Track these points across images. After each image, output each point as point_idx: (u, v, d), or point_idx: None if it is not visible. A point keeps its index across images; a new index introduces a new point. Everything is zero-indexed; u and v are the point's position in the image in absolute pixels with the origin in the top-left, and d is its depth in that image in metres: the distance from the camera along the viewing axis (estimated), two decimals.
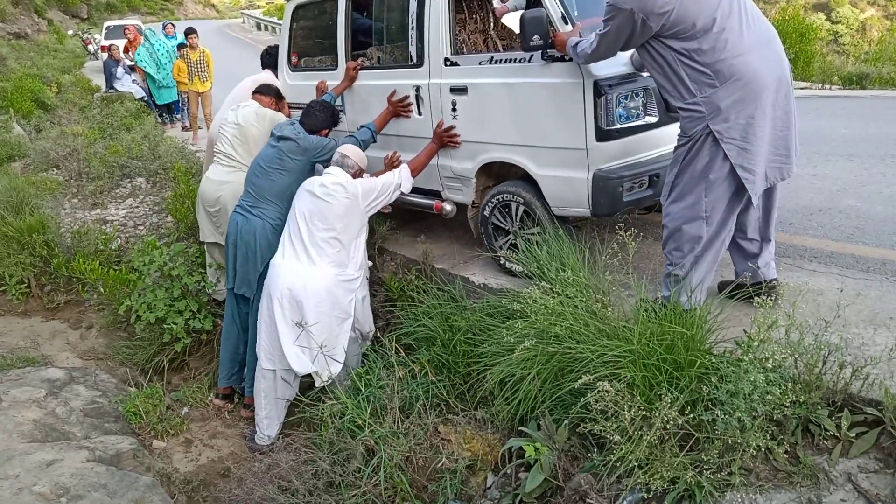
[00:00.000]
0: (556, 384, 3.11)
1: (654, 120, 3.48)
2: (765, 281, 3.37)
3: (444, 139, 4.20)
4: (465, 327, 3.95)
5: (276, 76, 5.60)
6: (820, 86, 10.68)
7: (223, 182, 4.85)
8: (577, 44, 3.22)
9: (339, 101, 5.01)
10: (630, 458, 2.53)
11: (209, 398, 4.79)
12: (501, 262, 4.20)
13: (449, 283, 4.43)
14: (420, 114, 4.39)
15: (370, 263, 4.72)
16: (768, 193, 3.25)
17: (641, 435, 2.53)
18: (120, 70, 13.23)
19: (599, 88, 3.33)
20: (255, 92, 5.06)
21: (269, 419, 4.26)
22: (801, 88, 10.60)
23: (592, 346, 2.86)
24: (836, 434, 2.62)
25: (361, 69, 4.82)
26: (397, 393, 3.75)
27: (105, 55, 14.86)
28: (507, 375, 3.29)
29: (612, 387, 2.52)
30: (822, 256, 3.93)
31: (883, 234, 4.11)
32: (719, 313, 2.94)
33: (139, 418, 4.38)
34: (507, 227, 4.14)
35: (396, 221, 5.37)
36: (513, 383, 3.28)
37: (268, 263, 4.21)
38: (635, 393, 2.60)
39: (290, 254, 4.08)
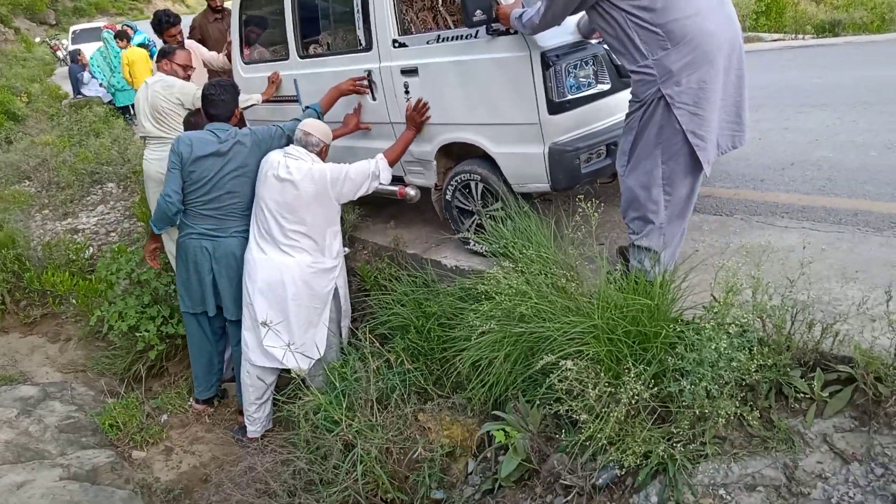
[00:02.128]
0: (526, 365, 3.04)
1: (606, 87, 3.38)
2: None
3: (419, 121, 4.01)
4: (438, 312, 3.89)
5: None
6: (793, 36, 10.56)
7: (157, 159, 4.91)
8: (521, 14, 3.11)
9: (294, 91, 4.90)
10: (599, 436, 2.47)
11: (189, 403, 4.71)
12: (470, 243, 4.12)
13: (421, 268, 4.35)
14: (374, 99, 4.27)
15: (347, 250, 4.59)
16: None
17: (609, 412, 2.46)
18: (86, 75, 12.99)
19: (547, 60, 3.22)
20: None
21: (258, 412, 4.17)
22: (775, 40, 10.49)
23: (557, 324, 2.78)
24: (811, 395, 2.56)
25: (314, 56, 4.70)
26: (373, 384, 3.67)
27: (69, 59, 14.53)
28: (479, 359, 3.23)
29: (574, 365, 2.45)
30: (794, 211, 3.86)
31: (855, 184, 4.04)
32: (683, 280, 2.86)
33: (117, 430, 4.31)
34: (470, 208, 4.05)
35: (366, 209, 5.26)
36: (485, 367, 3.22)
37: None
38: (600, 369, 2.53)
39: (264, 247, 3.97)
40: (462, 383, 3.60)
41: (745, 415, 2.51)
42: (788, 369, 2.59)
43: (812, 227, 3.61)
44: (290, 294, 3.96)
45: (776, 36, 10.27)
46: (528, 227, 3.52)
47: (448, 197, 4.08)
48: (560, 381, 2.45)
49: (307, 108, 4.31)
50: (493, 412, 3.18)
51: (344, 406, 3.60)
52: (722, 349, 2.28)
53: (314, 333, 4.14)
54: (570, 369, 2.41)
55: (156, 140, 5.05)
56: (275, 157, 3.95)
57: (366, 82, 4.29)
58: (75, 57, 13.06)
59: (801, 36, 10.38)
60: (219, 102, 3.97)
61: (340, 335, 4.36)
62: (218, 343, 4.37)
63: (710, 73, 2.80)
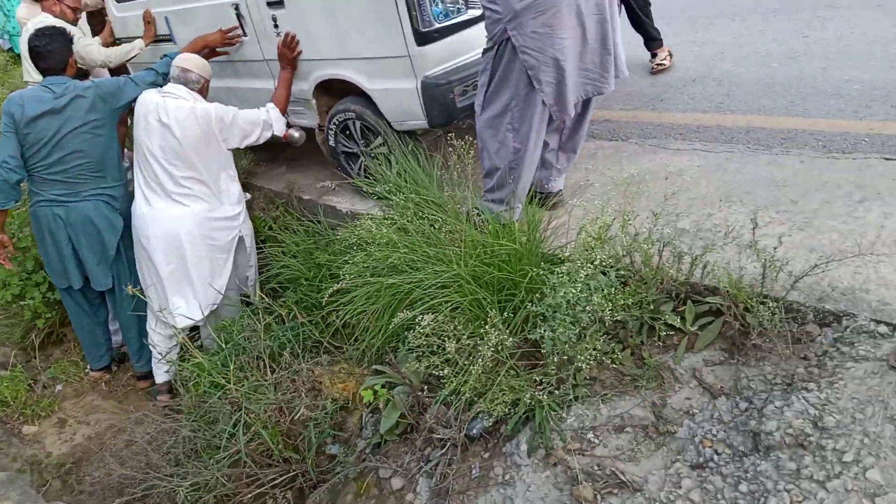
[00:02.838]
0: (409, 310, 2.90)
1: (478, 13, 3.13)
2: (550, 193, 3.25)
3: (290, 57, 3.69)
4: (327, 263, 3.70)
5: None
6: None
7: None
8: None
9: (167, 29, 4.51)
10: (463, 389, 2.36)
11: (85, 371, 4.50)
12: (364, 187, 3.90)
13: (317, 215, 4.14)
14: (246, 34, 3.94)
15: (248, 196, 4.29)
16: (583, 104, 3.01)
17: (471, 364, 2.34)
18: None
19: None
20: None
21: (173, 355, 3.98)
22: None
23: (424, 275, 2.63)
24: (683, 329, 2.48)
25: None
26: (262, 342, 3.51)
27: None
28: (360, 311, 3.08)
29: (433, 319, 2.31)
30: (689, 132, 3.72)
31: (751, 98, 3.91)
32: (550, 222, 2.72)
33: (3, 406, 4.09)
34: (354, 150, 3.82)
35: (261, 154, 4.98)
36: (367, 318, 3.08)
37: (119, 243, 3.80)
38: (464, 320, 2.39)
39: (153, 199, 3.69)
40: (353, 335, 3.47)
41: (616, 353, 2.43)
42: (660, 304, 2.50)
43: (704, 149, 3.49)
44: (188, 247, 3.72)
45: None
46: (411, 168, 3.33)
47: (331, 142, 3.84)
48: (417, 338, 2.31)
49: (164, 56, 3.91)
50: (374, 367, 3.05)
51: (232, 367, 3.44)
52: (575, 292, 2.15)
53: (218, 287, 3.93)
54: (426, 325, 2.26)
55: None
56: (151, 98, 3.61)
57: (239, 31, 3.95)
58: None
59: None
60: (46, 54, 3.55)
61: (247, 287, 4.14)
62: (97, 314, 4.11)
63: (556, 18, 2.57)
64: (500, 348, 2.33)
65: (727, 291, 2.36)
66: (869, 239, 2.47)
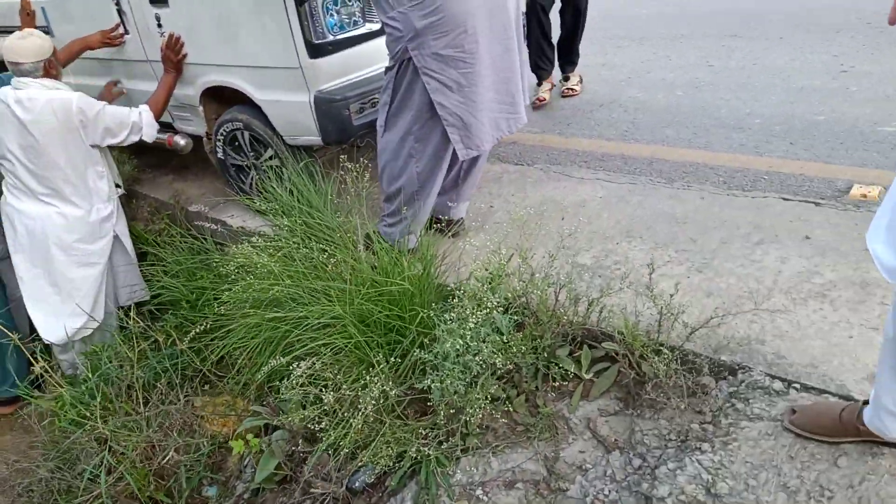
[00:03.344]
0: (288, 350, 2.67)
1: (377, 27, 2.94)
2: (451, 220, 3.12)
3: (175, 60, 3.39)
4: (209, 285, 3.42)
5: None
6: None
7: None
8: None
9: (45, 22, 4.09)
10: (343, 442, 2.16)
11: None
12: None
13: (204, 230, 3.83)
14: (128, 32, 3.60)
15: (122, 190, 3.81)
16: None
17: (352, 415, 2.14)
18: None
19: None
20: None
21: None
22: None
23: (307, 311, 2.41)
24: (578, 375, 2.37)
25: None
26: (135, 370, 3.19)
27: None
28: (240, 345, 2.83)
29: (309, 367, 2.10)
30: (593, 160, 3.65)
31: (656, 128, 3.88)
32: (446, 254, 2.56)
33: None
34: (244, 163, 3.55)
35: (146, 159, 4.62)
36: (248, 352, 2.83)
37: None
38: (342, 365, 2.20)
39: (23, 197, 3.28)
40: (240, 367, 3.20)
41: (510, 399, 2.29)
42: (556, 347, 2.38)
43: (607, 178, 3.42)
44: (56, 254, 3.33)
45: None
46: (304, 186, 3.11)
47: (219, 153, 3.56)
48: (291, 387, 2.09)
49: None
50: (252, 407, 2.80)
51: (99, 398, 3.11)
52: (463, 343, 1.99)
53: (93, 299, 3.55)
54: (300, 374, 2.05)
55: None
56: (4, 92, 3.20)
57: (121, 30, 3.60)
58: None
59: None
60: None
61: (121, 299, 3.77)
62: None
63: (463, 40, 2.39)
64: (383, 399, 2.15)
65: (623, 338, 2.26)
66: (766, 285, 2.42)
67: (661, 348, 2.20)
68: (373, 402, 2.07)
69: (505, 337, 2.14)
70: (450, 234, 3.08)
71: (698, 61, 4.81)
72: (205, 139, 3.74)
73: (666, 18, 6.18)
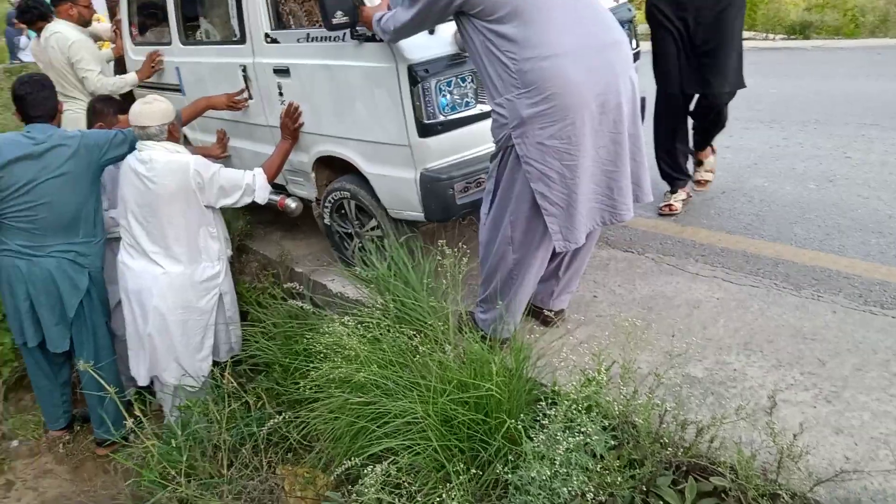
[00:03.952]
0: (368, 439, 2.57)
1: (488, 108, 2.87)
2: (551, 311, 2.94)
3: (292, 128, 3.47)
4: (302, 351, 3.40)
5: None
6: (763, 36, 10.11)
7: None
8: (381, 18, 2.59)
9: (177, 79, 4.35)
10: None
11: (45, 429, 4.19)
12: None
13: (307, 291, 3.85)
14: (251, 97, 3.74)
15: (230, 252, 3.88)
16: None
17: None
18: (23, 39, 12.20)
19: (414, 74, 2.70)
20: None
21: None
22: (744, 39, 10.01)
23: (391, 404, 2.31)
24: None
25: (195, 44, 4.15)
26: (224, 430, 3.20)
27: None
28: (321, 420, 2.77)
29: (383, 471, 1.98)
30: (712, 255, 3.40)
31: (783, 224, 3.59)
32: (539, 354, 2.40)
33: None
34: (349, 231, 3.56)
35: (260, 215, 4.75)
36: (331, 430, 2.76)
37: (82, 303, 3.55)
38: (416, 474, 2.06)
39: (136, 255, 3.45)
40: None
41: None
42: (656, 474, 2.15)
43: (726, 278, 3.16)
44: (159, 312, 3.45)
45: (746, 35, 9.78)
46: (402, 262, 3.05)
47: (326, 221, 3.59)
48: (361, 492, 1.98)
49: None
50: (326, 493, 2.71)
51: (185, 456, 3.12)
52: (549, 473, 1.81)
53: (193, 353, 3.65)
54: (374, 480, 1.93)
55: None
56: (130, 157, 3.39)
57: (245, 95, 3.75)
58: (11, 20, 12.22)
59: (771, 36, 9.91)
60: (40, 101, 3.33)
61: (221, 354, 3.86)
62: (58, 374, 3.81)
63: (570, 132, 2.27)
64: None
65: (735, 473, 2.01)
66: None
67: (780, 492, 1.93)
68: None
69: (600, 464, 1.94)
70: (548, 325, 2.92)
71: (834, 151, 4.46)
72: (314, 204, 3.79)
73: (800, 100, 5.85)
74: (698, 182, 4.07)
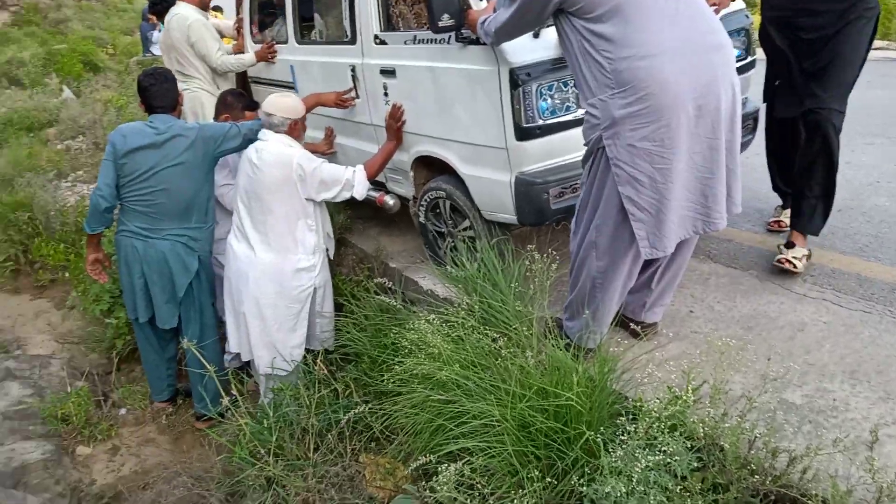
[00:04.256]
0: (446, 437, 2.60)
1: None
2: (643, 323, 2.83)
3: (395, 128, 3.56)
4: (390, 344, 3.47)
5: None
6: None
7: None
8: (484, 20, 2.61)
9: (290, 77, 4.54)
10: None
11: (150, 400, 4.49)
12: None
13: (399, 286, 3.93)
14: (358, 96, 3.85)
15: (331, 248, 4.06)
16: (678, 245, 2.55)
17: None
18: (156, 34, 13.04)
19: (516, 78, 2.70)
20: None
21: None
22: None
23: (471, 404, 2.33)
24: None
25: (310, 43, 4.31)
26: (313, 415, 3.32)
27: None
28: (403, 414, 2.83)
29: (457, 471, 2.00)
30: (821, 275, 3.21)
31: None
32: (623, 374, 2.34)
33: (62, 423, 4.11)
34: (443, 230, 3.60)
35: (360, 211, 4.88)
36: (410, 426, 2.81)
37: (191, 284, 3.77)
38: (490, 476, 2.07)
39: (240, 237, 3.67)
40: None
41: None
42: (741, 502, 2.05)
43: (836, 301, 2.98)
44: (257, 291, 3.63)
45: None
46: (492, 264, 3.06)
47: (421, 219, 3.65)
48: (434, 488, 2.00)
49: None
50: (403, 486, 2.76)
51: (275, 437, 3.27)
52: (625, 490, 1.77)
53: (286, 339, 3.81)
54: (449, 477, 1.95)
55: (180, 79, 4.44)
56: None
57: (353, 93, 3.87)
58: (146, 15, 13.11)
59: None
60: (162, 93, 3.57)
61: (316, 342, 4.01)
62: (165, 349, 4.09)
63: (664, 134, 2.20)
64: None
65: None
66: None
67: None
68: None
69: (681, 485, 1.87)
70: (637, 338, 2.85)
71: None
72: (411, 202, 3.86)
73: None
74: (779, 261, 3.26)
